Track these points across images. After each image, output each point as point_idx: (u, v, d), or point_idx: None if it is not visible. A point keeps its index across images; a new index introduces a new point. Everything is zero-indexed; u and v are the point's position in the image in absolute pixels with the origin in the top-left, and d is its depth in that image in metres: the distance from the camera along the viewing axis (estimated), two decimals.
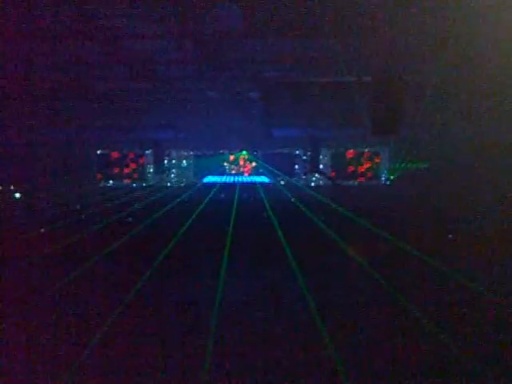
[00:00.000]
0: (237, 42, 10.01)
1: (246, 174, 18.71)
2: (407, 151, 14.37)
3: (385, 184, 16.95)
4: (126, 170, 18.81)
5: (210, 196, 15.20)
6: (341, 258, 9.48)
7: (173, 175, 18.92)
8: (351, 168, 17.64)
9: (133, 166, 18.82)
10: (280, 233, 10.47)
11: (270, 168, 18.22)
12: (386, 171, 16.05)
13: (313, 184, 18.05)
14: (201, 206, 13.40)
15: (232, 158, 18.65)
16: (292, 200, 14.05)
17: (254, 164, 18.70)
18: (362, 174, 17.58)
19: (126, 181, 18.83)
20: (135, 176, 18.84)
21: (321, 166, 17.93)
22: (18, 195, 16.14)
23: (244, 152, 18.68)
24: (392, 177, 16.00)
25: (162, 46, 10.11)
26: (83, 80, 12.27)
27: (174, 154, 18.83)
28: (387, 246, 10.12)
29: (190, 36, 9.66)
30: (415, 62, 9.52)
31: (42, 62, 10.49)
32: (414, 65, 9.56)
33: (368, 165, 17.18)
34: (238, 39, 9.79)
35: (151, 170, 18.58)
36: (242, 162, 18.78)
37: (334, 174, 17.77)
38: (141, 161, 18.81)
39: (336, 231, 10.77)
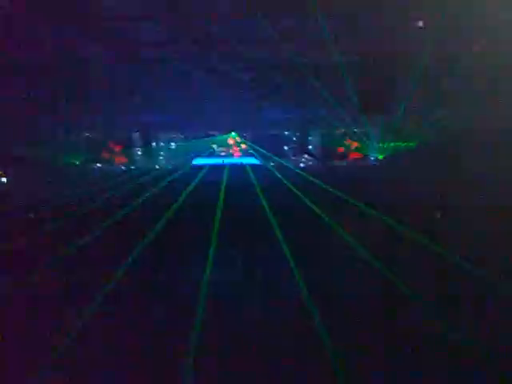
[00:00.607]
0: (225, 22, 9.85)
1: (235, 156, 18.63)
2: (396, 131, 14.40)
3: (374, 164, 17.01)
4: (113, 153, 18.59)
5: (198, 178, 15.13)
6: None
7: (161, 158, 18.76)
8: (341, 149, 17.65)
9: (118, 148, 18.58)
10: (269, 213, 10.51)
11: (260, 149, 18.15)
12: (374, 151, 16.09)
13: (302, 165, 18.04)
14: (189, 188, 13.34)
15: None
16: (282, 181, 14.07)
17: (243, 146, 18.62)
18: (351, 155, 17.60)
19: (116, 163, 18.64)
20: (122, 159, 18.64)
21: (310, 147, 17.94)
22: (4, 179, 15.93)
23: (233, 134, 18.56)
24: (381, 157, 16.06)
25: (147, 26, 9.91)
26: (68, 63, 12.00)
27: (162, 136, 18.65)
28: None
29: (177, 16, 9.49)
30: (405, 42, 9.46)
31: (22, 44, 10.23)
32: (403, 44, 9.50)
33: (356, 145, 17.19)
34: (226, 19, 9.64)
35: (139, 153, 18.41)
36: (231, 143, 18.69)
37: (322, 154, 17.80)
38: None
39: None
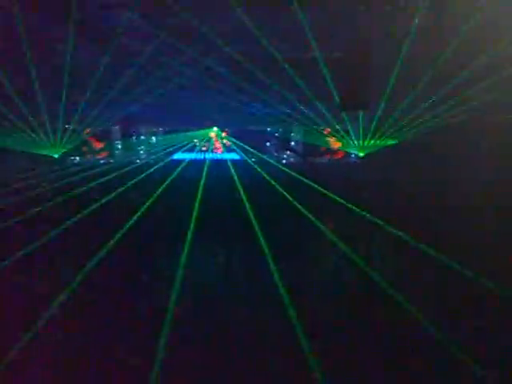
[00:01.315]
0: (205, 15, 9.71)
1: (217, 151, 18.47)
2: (377, 128, 14.41)
3: (354, 162, 17.05)
4: (93, 147, 18.26)
5: (177, 172, 14.96)
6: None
7: (141, 152, 18.49)
8: (322, 146, 17.63)
9: (97, 145, 18.28)
10: (248, 209, 10.44)
11: (242, 145, 18.02)
12: (355, 149, 16.10)
13: (284, 161, 17.98)
14: (167, 182, 13.18)
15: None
16: (263, 176, 13.99)
17: (225, 141, 18.47)
18: (333, 152, 17.60)
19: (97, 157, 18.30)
20: (102, 153, 18.31)
21: (292, 144, 17.88)
22: None
23: (215, 129, 18.39)
24: (362, 154, 16.07)
25: (127, 18, 9.72)
26: (44, 53, 11.71)
27: (142, 129, 18.37)
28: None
29: (156, 8, 9.34)
30: (386, 38, 9.44)
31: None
32: (385, 40, 9.49)
33: (337, 142, 17.18)
34: (207, 11, 9.50)
35: (119, 147, 18.11)
36: (213, 138, 18.52)
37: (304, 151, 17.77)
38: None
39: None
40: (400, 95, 11.78)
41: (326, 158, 17.72)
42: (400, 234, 8.67)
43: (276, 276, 7.11)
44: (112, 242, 8.11)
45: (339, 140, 16.60)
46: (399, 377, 4.85)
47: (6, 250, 7.76)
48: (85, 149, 18.28)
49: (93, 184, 12.74)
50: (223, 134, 18.40)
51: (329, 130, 16.46)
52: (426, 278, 7.51)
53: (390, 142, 15.29)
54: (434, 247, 7.84)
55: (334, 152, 17.52)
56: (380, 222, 9.36)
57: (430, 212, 10.45)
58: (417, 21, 8.33)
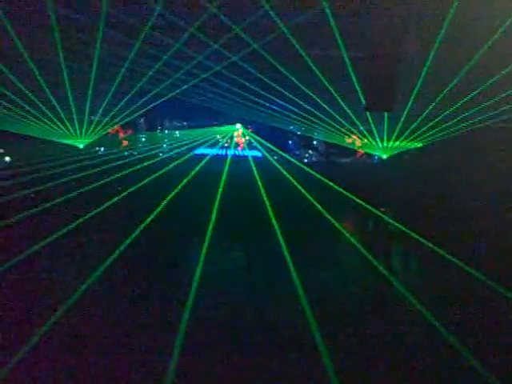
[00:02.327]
0: (232, 10, 9.70)
1: (239, 148, 18.52)
2: (402, 129, 14.17)
3: (377, 163, 16.82)
4: (118, 137, 18.53)
5: (200, 166, 15.04)
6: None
7: (165, 145, 18.70)
8: (345, 146, 17.44)
9: (121, 133, 18.52)
10: (269, 208, 10.44)
11: (264, 142, 18.01)
12: (378, 150, 15.88)
13: (306, 160, 17.91)
14: (189, 177, 13.27)
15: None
16: (283, 175, 13.95)
17: (247, 138, 18.50)
18: (356, 152, 17.40)
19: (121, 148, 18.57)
20: (126, 145, 18.58)
21: (314, 142, 17.79)
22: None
23: (238, 125, 18.44)
24: (385, 156, 15.84)
25: (153, 10, 9.79)
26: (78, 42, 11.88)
27: (167, 123, 18.58)
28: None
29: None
30: (412, 37, 9.27)
31: None
32: (410, 40, 9.31)
33: (360, 143, 16.97)
34: (233, 7, 9.49)
35: (143, 139, 18.37)
36: (235, 135, 18.57)
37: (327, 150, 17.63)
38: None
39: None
40: (426, 97, 11.57)
41: (348, 158, 17.55)
42: (423, 237, 8.54)
43: (294, 273, 7.10)
44: (134, 233, 8.25)
45: (363, 141, 16.42)
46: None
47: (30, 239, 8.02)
48: (110, 140, 18.58)
49: (117, 175, 12.94)
50: (245, 131, 18.43)
51: (352, 130, 16.29)
52: (451, 280, 7.38)
53: (415, 144, 15.03)
54: (459, 249, 7.71)
55: (357, 152, 17.33)
56: (401, 225, 9.24)
57: (456, 215, 10.25)
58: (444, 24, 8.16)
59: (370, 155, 17.17)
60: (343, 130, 16.17)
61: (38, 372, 4.60)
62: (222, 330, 5.48)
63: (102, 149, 18.61)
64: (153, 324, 5.51)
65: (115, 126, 18.29)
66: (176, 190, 11.23)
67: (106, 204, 9.60)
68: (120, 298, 6.39)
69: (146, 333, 5.26)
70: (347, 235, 8.99)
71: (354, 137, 16.75)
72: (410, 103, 11.62)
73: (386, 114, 13.14)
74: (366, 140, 15.99)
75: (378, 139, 15.16)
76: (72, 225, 8.44)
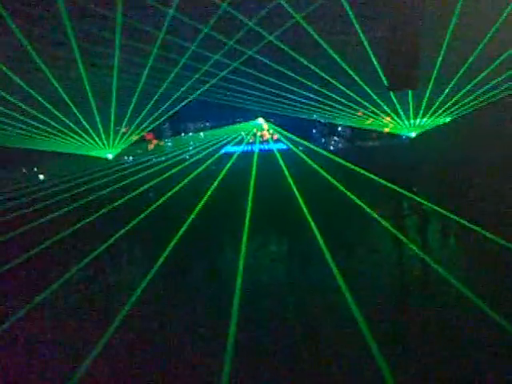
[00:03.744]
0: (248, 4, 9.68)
1: (263, 142, 18.50)
2: (428, 106, 13.80)
3: (406, 143, 16.42)
4: (146, 145, 18.80)
5: (228, 166, 15.12)
6: None
7: (191, 148, 18.86)
8: (371, 129, 17.12)
9: (149, 144, 18.75)
10: (297, 194, 10.41)
11: (288, 134, 17.91)
12: (405, 129, 15.52)
13: (331, 148, 17.71)
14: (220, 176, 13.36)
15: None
16: (311, 166, 13.83)
17: (271, 131, 18.44)
18: (382, 134, 17.06)
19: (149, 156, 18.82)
20: (154, 152, 18.82)
21: (339, 129, 17.56)
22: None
23: (260, 119, 18.40)
24: (413, 135, 15.48)
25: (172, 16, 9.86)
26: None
27: (190, 126, 18.72)
28: None
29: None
30: (432, 14, 8.99)
31: None
32: (432, 18, 9.04)
33: (386, 123, 16.61)
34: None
35: (169, 144, 18.58)
36: (259, 129, 18.55)
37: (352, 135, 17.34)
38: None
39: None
40: (450, 72, 11.23)
41: (375, 142, 17.25)
42: (456, 218, 8.33)
43: (330, 263, 7.06)
44: (174, 237, 8.43)
45: (388, 121, 16.08)
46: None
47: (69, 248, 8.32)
48: (137, 149, 18.87)
49: (149, 185, 13.15)
50: (268, 125, 18.37)
51: (377, 111, 15.99)
52: (482, 261, 7.19)
53: (443, 120, 14.63)
54: (489, 229, 7.49)
55: (384, 134, 16.99)
56: (433, 207, 9.04)
57: (486, 193, 9.95)
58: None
59: (397, 136, 16.80)
60: (368, 112, 15.89)
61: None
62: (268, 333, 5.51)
63: (131, 158, 18.95)
64: (202, 322, 5.60)
65: (141, 135, 18.58)
66: (209, 191, 11.36)
67: (144, 214, 9.83)
68: (168, 296, 6.54)
69: (195, 336, 5.35)
70: (381, 220, 8.86)
71: (380, 118, 16.43)
72: (433, 78, 11.31)
73: (409, 92, 12.83)
74: (392, 120, 15.66)
75: (404, 118, 14.81)
76: (114, 235, 8.70)
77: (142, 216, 9.64)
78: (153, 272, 7.00)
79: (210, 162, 16.32)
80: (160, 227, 9.45)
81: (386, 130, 16.71)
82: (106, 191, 12.88)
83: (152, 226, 9.61)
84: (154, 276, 6.75)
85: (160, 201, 10.66)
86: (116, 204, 10.84)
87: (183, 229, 8.75)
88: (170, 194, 11.24)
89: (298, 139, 17.63)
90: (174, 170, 14.58)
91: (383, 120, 16.37)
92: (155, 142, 18.97)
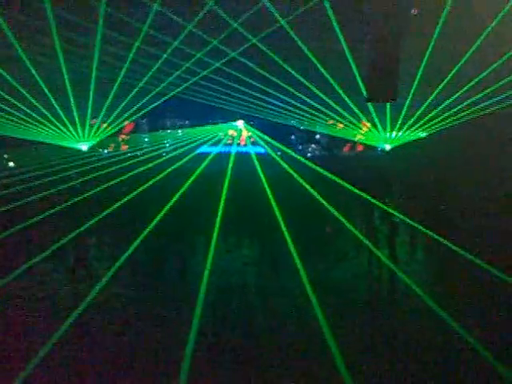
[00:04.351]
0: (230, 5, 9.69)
1: (241, 144, 18.48)
2: (405, 119, 14.05)
3: (381, 155, 16.70)
4: (121, 139, 18.55)
5: (203, 166, 15.01)
6: None
7: (168, 145, 18.69)
8: (348, 139, 17.34)
9: (124, 139, 18.49)
10: (271, 199, 10.41)
11: (266, 138, 17.95)
12: (382, 141, 15.77)
13: (309, 154, 17.84)
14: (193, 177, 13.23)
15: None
16: (287, 171, 13.86)
17: (250, 134, 18.45)
18: (358, 145, 17.29)
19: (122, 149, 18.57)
20: (129, 147, 18.59)
21: (317, 136, 17.70)
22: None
23: (240, 122, 18.39)
24: (388, 147, 15.72)
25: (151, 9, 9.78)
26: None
27: (168, 123, 18.56)
28: None
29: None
30: (413, 27, 9.18)
31: None
32: (412, 29, 9.22)
33: (362, 135, 16.86)
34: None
35: (146, 140, 18.37)
36: (237, 131, 18.53)
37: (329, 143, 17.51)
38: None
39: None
40: (429, 86, 11.47)
41: (351, 151, 17.46)
42: (428, 230, 8.47)
43: (300, 268, 7.07)
44: (141, 233, 8.26)
45: (365, 132, 16.31)
46: None
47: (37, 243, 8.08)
48: (112, 142, 18.59)
49: (121, 178, 12.92)
50: (247, 127, 18.38)
51: (354, 122, 16.21)
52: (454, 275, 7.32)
53: (419, 134, 14.91)
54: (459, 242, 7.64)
55: (360, 145, 17.22)
56: (405, 218, 9.17)
57: (458, 207, 10.17)
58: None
59: (373, 147, 17.06)
60: (345, 122, 16.09)
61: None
62: (233, 329, 5.46)
63: (106, 151, 18.64)
64: (164, 324, 5.51)
65: (118, 128, 18.30)
66: (182, 190, 11.22)
67: (113, 207, 9.61)
68: (130, 296, 6.40)
69: (157, 333, 5.26)
70: (351, 228, 8.93)
71: (357, 130, 16.66)
72: (412, 92, 11.53)
73: (388, 105, 13.04)
74: (368, 131, 15.89)
75: (380, 130, 15.05)
76: (79, 228, 8.46)
77: (108, 211, 9.40)
78: (112, 271, 6.83)
79: (184, 161, 16.18)
80: (124, 224, 9.25)
81: (359, 136, 16.88)
82: (74, 182, 12.58)
83: (116, 222, 9.38)
84: (114, 276, 6.57)
85: (128, 197, 10.44)
86: (82, 197, 10.57)
87: (149, 227, 8.59)
88: (139, 190, 11.04)
89: (276, 144, 17.68)
90: (144, 168, 14.36)
91: (360, 130, 16.61)
92: (131, 135, 18.73)
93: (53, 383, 4.51)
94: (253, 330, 5.39)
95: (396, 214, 9.63)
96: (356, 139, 17.16)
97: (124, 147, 18.81)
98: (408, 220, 9.18)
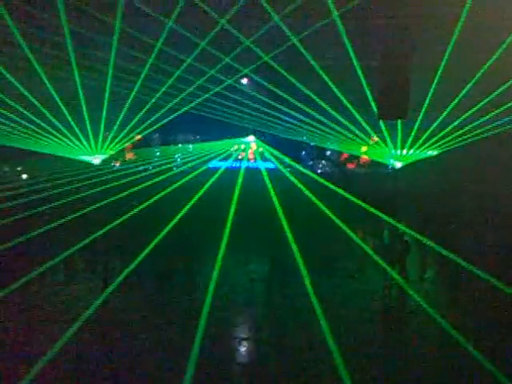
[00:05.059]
0: (239, 22, 9.79)
1: (252, 160, 18.56)
2: (416, 138, 13.99)
3: (390, 173, 16.60)
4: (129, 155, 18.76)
5: (212, 181, 15.03)
6: None
7: (179, 159, 18.84)
8: (358, 155, 17.31)
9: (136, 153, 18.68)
10: (281, 214, 10.38)
11: (277, 154, 17.99)
12: (392, 159, 15.70)
13: (319, 171, 17.84)
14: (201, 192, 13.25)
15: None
16: (297, 187, 13.83)
17: (260, 149, 18.53)
18: (368, 162, 17.25)
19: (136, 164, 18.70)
20: (141, 160, 18.74)
21: (327, 153, 17.73)
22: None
23: (251, 137, 18.49)
24: (399, 165, 15.62)
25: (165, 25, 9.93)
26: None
27: (180, 138, 18.75)
28: None
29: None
30: (423, 45, 9.22)
31: None
32: (422, 48, 9.27)
33: (374, 153, 16.81)
34: (240, 18, 9.60)
35: (157, 153, 18.54)
36: (248, 147, 18.62)
37: (340, 160, 17.51)
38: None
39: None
40: (441, 105, 11.45)
41: (362, 168, 17.42)
42: (436, 246, 8.37)
43: (309, 285, 7.01)
44: (150, 245, 8.28)
45: (376, 150, 16.26)
46: None
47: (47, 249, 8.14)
48: (124, 156, 18.80)
49: (132, 190, 13.00)
50: (258, 143, 18.45)
51: (365, 139, 16.20)
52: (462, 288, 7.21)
53: (430, 152, 14.83)
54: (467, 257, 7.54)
55: (370, 162, 17.16)
56: (414, 234, 9.09)
57: (469, 225, 10.07)
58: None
59: (383, 165, 17.00)
60: (356, 139, 16.08)
61: None
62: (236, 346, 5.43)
63: (118, 164, 18.84)
64: (167, 339, 5.49)
65: (130, 142, 18.49)
66: (191, 203, 11.26)
67: (123, 218, 9.67)
68: (136, 307, 6.41)
69: (160, 346, 5.23)
70: (363, 245, 8.87)
71: (367, 147, 16.63)
72: (423, 110, 11.52)
73: (399, 122, 13.03)
74: (376, 145, 15.83)
75: (391, 147, 14.99)
76: (89, 239, 8.52)
77: (116, 222, 9.43)
78: (117, 283, 6.84)
79: (194, 174, 16.24)
80: (133, 236, 9.27)
81: (365, 148, 16.74)
82: (85, 194, 12.71)
83: (125, 234, 9.40)
84: (119, 287, 6.58)
85: (137, 209, 10.50)
86: (93, 207, 10.66)
87: (158, 239, 8.61)
88: (148, 202, 11.10)
89: (287, 159, 17.70)
90: (154, 181, 14.44)
91: (370, 148, 16.57)
92: (143, 149, 18.91)
93: None
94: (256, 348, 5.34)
95: (406, 230, 9.56)
96: (362, 151, 17.06)
97: (135, 161, 18.99)
98: (419, 237, 9.10)
